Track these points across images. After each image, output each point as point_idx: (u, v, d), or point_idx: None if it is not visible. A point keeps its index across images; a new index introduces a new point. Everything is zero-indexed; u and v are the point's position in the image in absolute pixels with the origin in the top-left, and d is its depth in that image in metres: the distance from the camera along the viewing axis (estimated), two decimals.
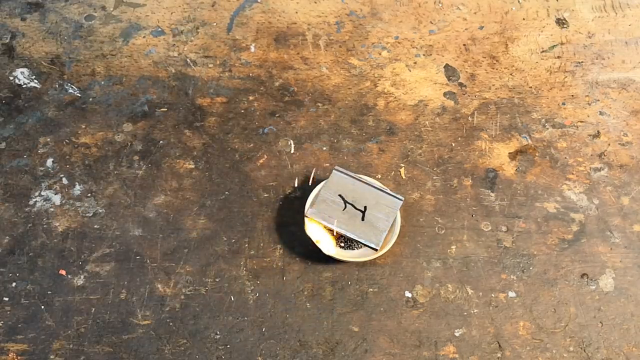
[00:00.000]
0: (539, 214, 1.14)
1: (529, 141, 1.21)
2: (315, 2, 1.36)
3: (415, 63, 1.29)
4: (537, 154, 1.20)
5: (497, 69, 1.29)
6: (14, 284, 1.05)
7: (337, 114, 1.23)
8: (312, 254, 1.08)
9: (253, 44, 1.30)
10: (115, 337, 1.02)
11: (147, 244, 1.09)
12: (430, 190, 1.16)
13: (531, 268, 1.09)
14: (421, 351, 1.02)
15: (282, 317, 1.04)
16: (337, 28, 1.32)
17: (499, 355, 1.03)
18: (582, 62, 1.30)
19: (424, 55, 1.30)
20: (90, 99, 1.22)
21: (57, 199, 1.12)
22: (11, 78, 1.24)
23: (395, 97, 1.25)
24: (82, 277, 1.06)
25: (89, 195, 1.13)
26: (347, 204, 1.08)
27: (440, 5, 1.37)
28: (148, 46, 1.29)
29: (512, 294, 1.07)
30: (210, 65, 1.27)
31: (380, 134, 1.21)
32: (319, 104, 1.24)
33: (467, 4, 1.37)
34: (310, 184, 1.13)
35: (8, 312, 1.03)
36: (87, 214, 1.12)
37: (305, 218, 1.08)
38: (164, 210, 1.12)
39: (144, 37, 1.30)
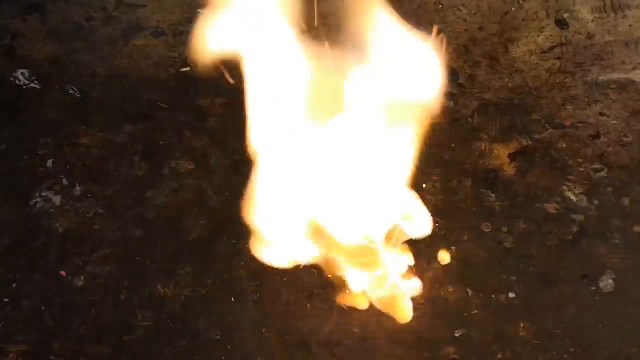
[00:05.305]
0: (539, 214, 1.14)
1: (529, 142, 1.21)
2: None
3: None
4: (537, 155, 1.20)
5: (496, 70, 1.29)
6: (14, 284, 1.05)
7: None
8: None
9: None
10: (115, 338, 1.02)
11: (147, 244, 1.09)
12: (430, 190, 1.16)
13: (531, 269, 1.09)
14: (421, 351, 1.02)
15: (282, 317, 1.04)
16: None
17: (499, 356, 1.03)
18: (582, 63, 1.30)
19: None
20: (91, 100, 1.22)
21: (57, 200, 1.13)
22: (11, 79, 1.25)
23: None
24: (82, 277, 1.06)
25: (89, 195, 1.13)
26: None
27: (440, 6, 1.37)
28: (148, 47, 1.29)
29: (512, 295, 1.07)
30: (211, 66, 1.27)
31: None
32: None
33: (467, 5, 1.37)
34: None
35: (8, 313, 1.03)
36: (87, 215, 1.11)
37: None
38: (164, 210, 1.12)
39: (144, 37, 1.30)
